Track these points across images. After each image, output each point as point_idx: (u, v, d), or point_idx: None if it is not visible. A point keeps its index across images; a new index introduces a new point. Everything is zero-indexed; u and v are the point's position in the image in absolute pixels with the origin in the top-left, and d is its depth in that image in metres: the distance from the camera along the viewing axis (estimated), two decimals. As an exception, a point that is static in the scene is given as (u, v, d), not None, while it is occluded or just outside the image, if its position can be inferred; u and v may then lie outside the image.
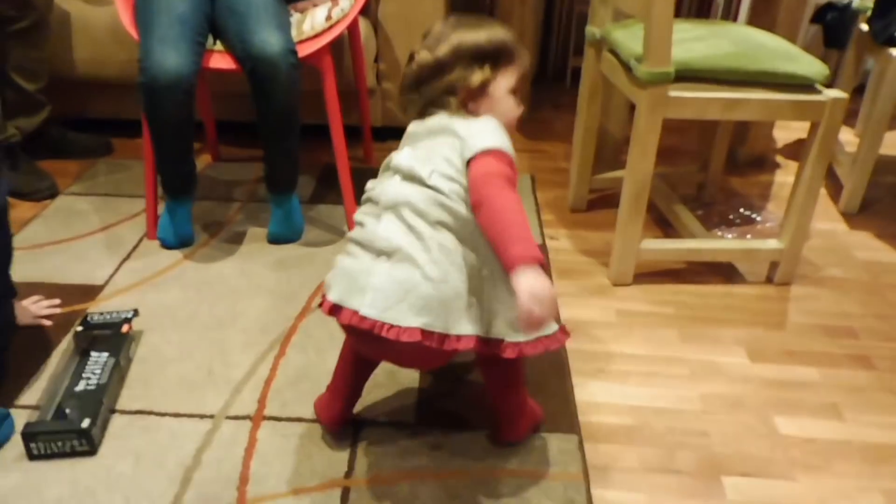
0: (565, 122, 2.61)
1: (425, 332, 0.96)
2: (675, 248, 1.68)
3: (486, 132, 1.02)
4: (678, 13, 2.78)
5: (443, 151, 1.03)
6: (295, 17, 1.73)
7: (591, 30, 1.76)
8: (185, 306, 1.53)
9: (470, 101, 1.06)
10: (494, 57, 1.06)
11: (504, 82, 1.07)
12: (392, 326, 0.95)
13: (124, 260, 1.69)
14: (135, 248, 1.74)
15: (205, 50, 1.66)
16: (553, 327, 1.05)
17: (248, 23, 1.61)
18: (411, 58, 1.10)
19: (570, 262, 1.76)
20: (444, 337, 0.97)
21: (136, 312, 1.44)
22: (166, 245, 1.75)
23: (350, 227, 1.78)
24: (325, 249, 1.76)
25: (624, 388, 1.36)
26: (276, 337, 1.45)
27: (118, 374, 1.31)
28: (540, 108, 2.73)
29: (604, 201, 2.03)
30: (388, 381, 1.34)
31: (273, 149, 1.71)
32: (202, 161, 2.20)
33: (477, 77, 1.05)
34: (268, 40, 1.56)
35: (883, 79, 1.88)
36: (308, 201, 1.96)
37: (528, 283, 0.88)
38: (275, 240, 1.78)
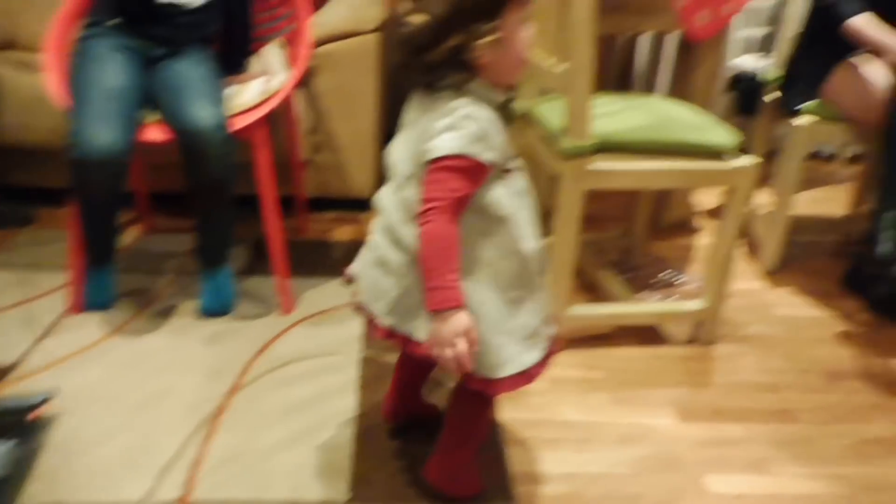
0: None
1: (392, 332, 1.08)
2: (604, 313, 1.73)
3: (450, 131, 0.96)
4: (600, 88, 2.91)
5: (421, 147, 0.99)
6: (231, 90, 1.75)
7: (518, 104, 1.82)
8: (109, 385, 1.48)
9: (485, 58, 0.95)
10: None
11: (514, 20, 0.96)
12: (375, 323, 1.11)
13: (41, 337, 1.63)
14: (54, 324, 1.68)
15: (139, 125, 1.65)
16: (501, 372, 1.05)
17: (181, 97, 1.62)
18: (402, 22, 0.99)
19: (504, 327, 1.78)
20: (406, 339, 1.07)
21: (49, 395, 1.37)
22: (90, 309, 1.72)
23: (283, 302, 1.78)
24: (256, 323, 1.73)
25: (558, 455, 1.37)
26: (206, 415, 1.41)
27: (24, 465, 1.23)
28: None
29: (535, 266, 2.07)
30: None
31: (205, 221, 1.70)
32: (133, 233, 2.16)
33: (486, 35, 0.93)
34: (199, 114, 1.57)
35: (791, 144, 2.01)
36: (241, 273, 1.94)
37: (433, 331, 0.98)
38: (206, 313, 1.75)
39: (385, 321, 1.08)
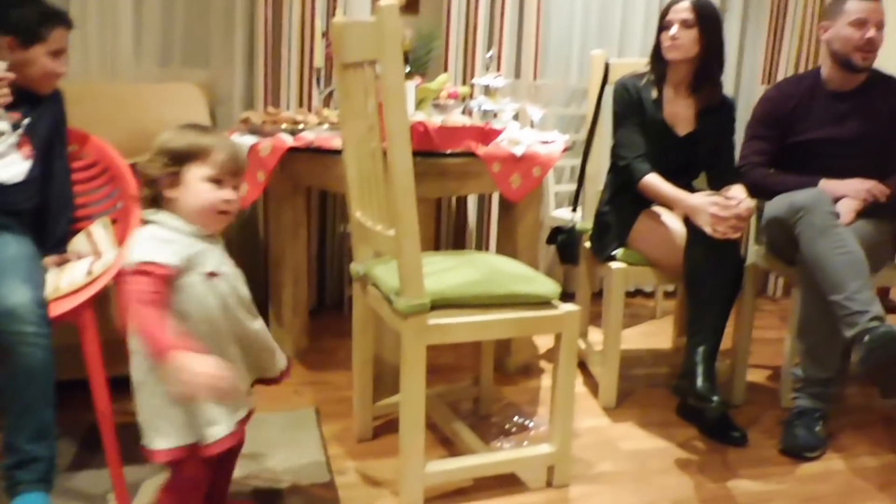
0: (347, 349, 2.64)
1: None
2: (460, 467, 1.72)
3: (136, 245, 1.28)
4: (437, 246, 3.07)
5: None
6: (51, 273, 1.67)
7: (355, 267, 1.89)
8: None
9: (167, 190, 1.31)
10: (186, 155, 1.31)
11: (196, 172, 1.31)
12: None
13: None
14: None
15: None
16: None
17: None
18: None
19: (360, 497, 1.72)
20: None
21: None
22: None
23: (117, 496, 1.62)
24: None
25: None
26: None
27: None
28: (321, 337, 2.78)
29: (389, 427, 2.05)
30: None
31: (15, 421, 1.50)
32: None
33: (158, 170, 1.30)
34: (11, 296, 1.48)
35: (609, 288, 2.20)
36: (69, 469, 1.75)
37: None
38: None
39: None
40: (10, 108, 1.75)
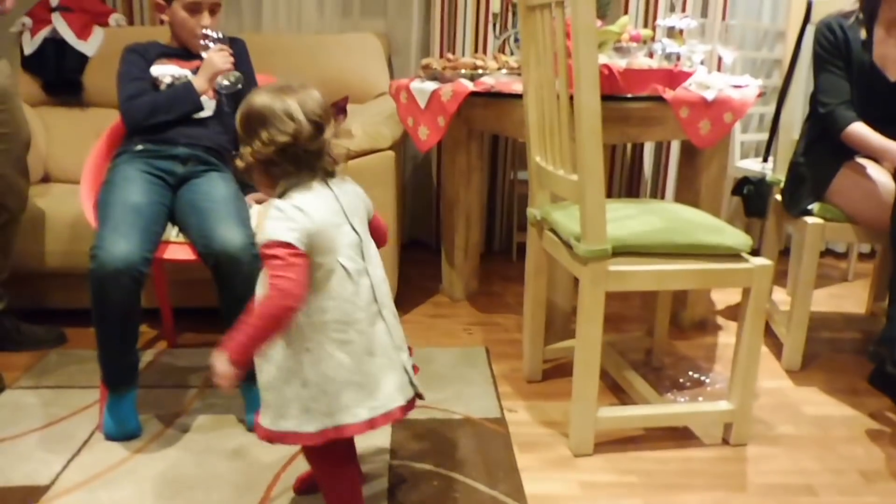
0: (515, 294, 2.71)
1: None
2: (632, 415, 1.71)
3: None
4: (609, 194, 3.01)
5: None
6: (254, 209, 1.82)
7: (532, 211, 1.90)
8: (138, 503, 1.47)
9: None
10: None
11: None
12: None
13: (74, 456, 1.63)
14: (85, 442, 1.69)
15: (160, 240, 1.71)
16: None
17: (209, 219, 1.68)
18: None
19: (530, 434, 1.76)
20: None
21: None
22: (113, 440, 1.69)
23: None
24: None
25: (595, 565, 1.33)
26: (234, 531, 1.39)
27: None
28: (490, 281, 2.85)
29: (559, 371, 2.08)
30: None
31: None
32: (158, 347, 2.19)
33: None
34: (228, 236, 1.63)
35: (802, 245, 2.05)
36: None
37: None
38: (250, 427, 1.70)
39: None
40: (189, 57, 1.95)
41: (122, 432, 1.69)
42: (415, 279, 2.82)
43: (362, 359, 1.20)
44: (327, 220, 1.18)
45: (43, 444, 1.68)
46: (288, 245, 1.12)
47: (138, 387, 1.74)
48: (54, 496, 1.49)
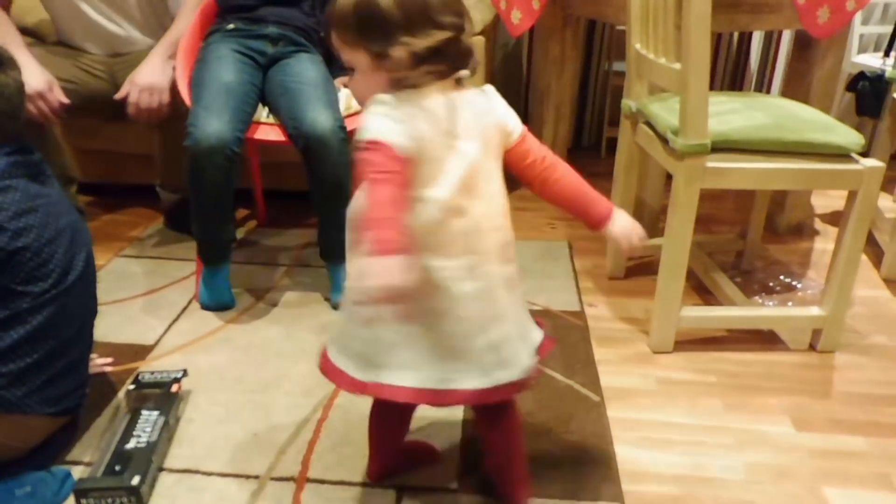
0: (602, 189, 2.60)
1: None
2: (716, 316, 1.68)
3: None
4: (712, 86, 2.84)
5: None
6: (343, 92, 1.82)
7: (627, 103, 1.81)
8: (232, 368, 1.57)
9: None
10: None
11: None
12: None
13: (174, 321, 1.75)
14: (184, 310, 1.80)
15: (251, 120, 1.74)
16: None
17: (298, 101, 1.69)
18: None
19: (610, 329, 1.76)
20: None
21: (185, 373, 1.48)
22: (208, 309, 1.80)
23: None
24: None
25: (668, 457, 1.35)
26: (320, 400, 1.47)
27: (167, 432, 1.34)
28: (576, 176, 2.79)
29: (642, 268, 2.04)
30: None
31: (326, 219, 1.75)
32: (249, 226, 2.28)
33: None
34: (318, 119, 1.64)
35: (920, 148, 1.90)
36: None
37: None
38: (335, 306, 1.80)
39: None
40: None
41: (217, 303, 1.79)
42: (499, 171, 2.78)
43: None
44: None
45: (146, 308, 1.81)
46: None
47: (231, 262, 1.83)
48: (158, 355, 1.62)
